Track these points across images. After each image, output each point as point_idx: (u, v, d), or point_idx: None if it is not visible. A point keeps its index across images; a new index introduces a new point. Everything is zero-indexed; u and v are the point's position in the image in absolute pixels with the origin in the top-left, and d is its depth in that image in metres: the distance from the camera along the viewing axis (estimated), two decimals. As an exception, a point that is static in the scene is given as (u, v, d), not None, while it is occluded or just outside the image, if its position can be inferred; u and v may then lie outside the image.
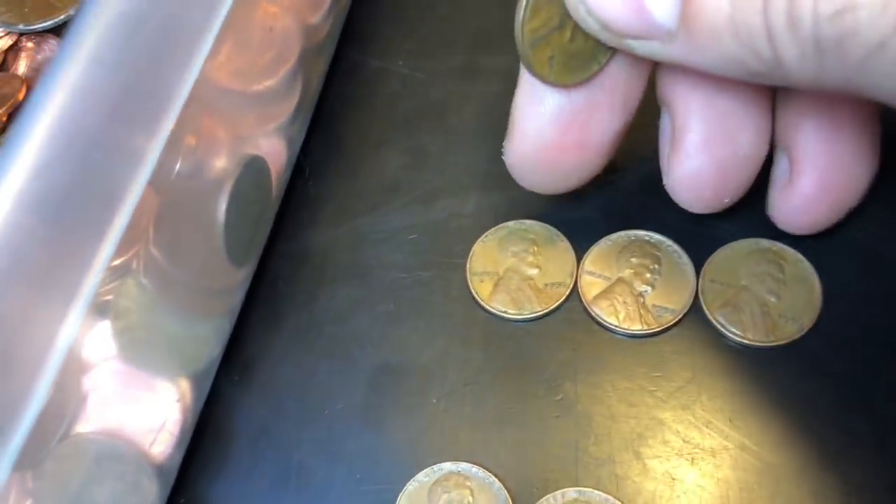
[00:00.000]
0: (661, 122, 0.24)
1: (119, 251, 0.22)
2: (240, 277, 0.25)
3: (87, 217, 0.19)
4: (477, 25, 0.30)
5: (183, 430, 0.23)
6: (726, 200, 0.23)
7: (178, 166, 0.24)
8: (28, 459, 0.21)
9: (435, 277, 0.26)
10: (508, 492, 0.22)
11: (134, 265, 0.23)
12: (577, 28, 0.21)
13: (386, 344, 0.25)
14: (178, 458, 0.23)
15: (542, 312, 0.25)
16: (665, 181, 0.23)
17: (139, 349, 0.23)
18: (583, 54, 0.21)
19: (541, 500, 0.22)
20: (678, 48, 0.18)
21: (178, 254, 0.23)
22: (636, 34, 0.19)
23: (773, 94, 0.23)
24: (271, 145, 0.27)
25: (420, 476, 0.23)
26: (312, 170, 0.28)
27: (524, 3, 0.20)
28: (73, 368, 0.22)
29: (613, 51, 0.21)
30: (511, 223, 0.26)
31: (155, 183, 0.22)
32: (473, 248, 0.26)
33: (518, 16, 0.20)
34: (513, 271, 0.26)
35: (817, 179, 0.22)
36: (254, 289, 0.26)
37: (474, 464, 0.23)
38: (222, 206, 0.24)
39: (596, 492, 0.22)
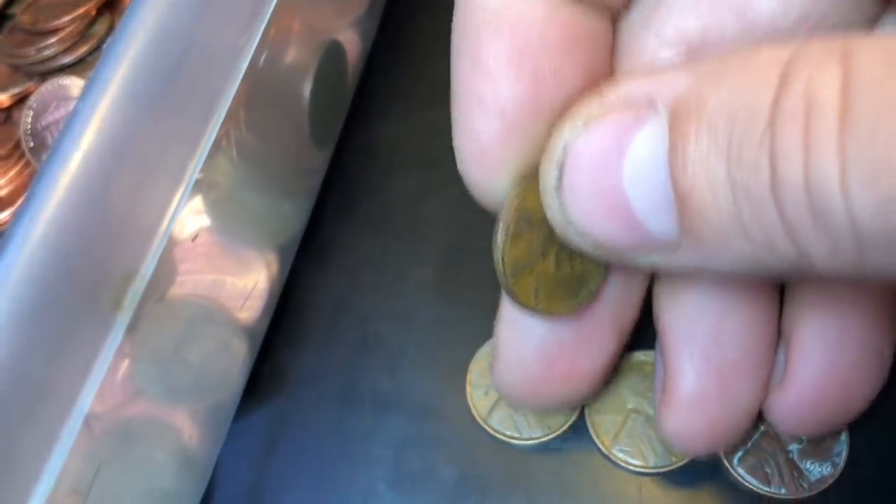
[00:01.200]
0: (656, 354, 0.21)
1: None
2: (320, 159, 0.26)
3: (190, 106, 0.20)
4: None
5: (269, 299, 0.24)
6: (724, 444, 0.21)
7: (264, 55, 0.25)
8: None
9: (502, 165, 0.27)
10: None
11: (224, 143, 0.24)
12: (563, 254, 0.18)
13: (456, 225, 0.26)
14: (264, 326, 0.25)
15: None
16: (655, 427, 0.21)
17: (231, 221, 0.24)
18: (571, 281, 0.19)
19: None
20: (684, 255, 0.15)
21: (266, 134, 0.24)
22: (634, 248, 0.16)
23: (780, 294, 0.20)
24: (347, 37, 0.27)
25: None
26: (384, 66, 0.29)
27: (502, 231, 0.18)
28: (164, 240, 0.24)
29: (605, 275, 0.19)
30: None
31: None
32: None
33: (496, 244, 0.18)
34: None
35: (817, 381, 0.19)
36: (329, 177, 0.27)
37: None
38: (307, 89, 0.25)
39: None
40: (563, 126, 0.16)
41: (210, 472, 0.23)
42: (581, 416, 0.22)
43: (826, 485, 0.21)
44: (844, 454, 0.21)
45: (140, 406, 0.23)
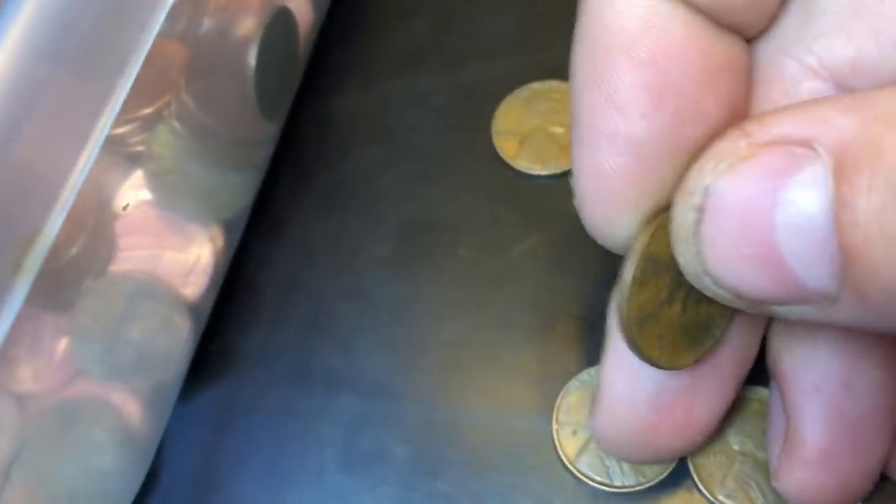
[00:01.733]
0: (769, 395, 0.19)
1: (150, 100, 0.23)
2: (269, 131, 0.25)
3: (97, 63, 0.19)
4: None
5: (214, 274, 0.23)
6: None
7: (205, 21, 0.24)
8: (59, 295, 0.21)
9: (461, 138, 0.26)
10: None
11: (165, 114, 0.23)
12: (689, 300, 0.17)
13: (414, 201, 0.25)
14: (210, 302, 0.24)
15: (567, 168, 0.25)
16: (773, 480, 0.18)
17: (173, 194, 0.23)
18: (696, 327, 0.17)
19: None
20: (842, 310, 0.13)
21: (210, 104, 0.23)
22: (782, 301, 0.14)
23: None
24: (297, 4, 0.26)
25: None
26: (339, 36, 0.28)
27: (629, 277, 0.16)
28: (106, 213, 0.23)
29: (730, 319, 0.18)
30: (536, 84, 0.26)
31: (182, 36, 0.22)
32: (499, 109, 0.26)
33: (622, 292, 0.16)
34: (538, 130, 0.26)
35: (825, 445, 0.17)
36: (282, 151, 0.26)
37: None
38: (252, 55, 0.24)
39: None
40: (703, 166, 0.14)
41: (152, 454, 0.22)
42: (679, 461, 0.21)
43: None
44: None
45: (79, 386, 0.22)
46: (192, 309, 0.23)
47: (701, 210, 0.14)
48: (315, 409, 0.23)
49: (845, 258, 0.13)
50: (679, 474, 0.20)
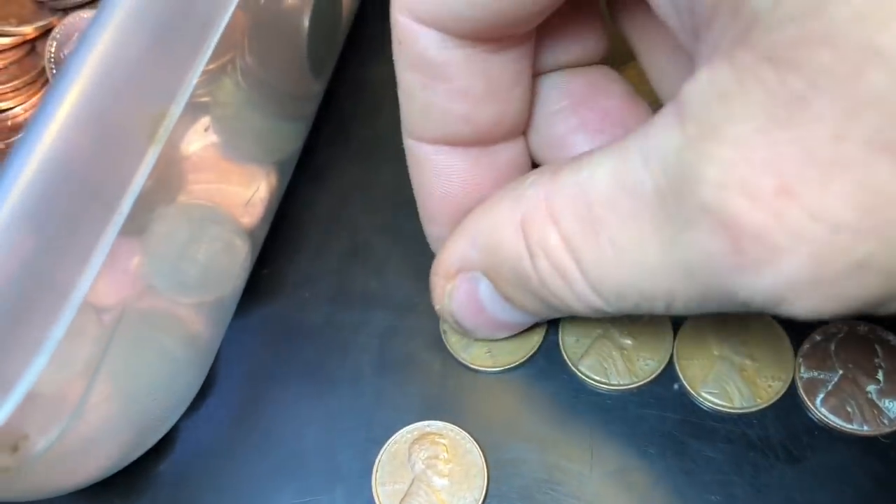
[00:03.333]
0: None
1: (216, 56, 0.26)
2: (316, 88, 0.28)
3: (186, 30, 0.22)
4: None
5: (268, 208, 0.26)
6: None
7: (265, -8, 0.27)
8: (135, 222, 0.24)
9: (481, 99, 0.29)
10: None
11: (229, 69, 0.26)
12: None
13: (438, 151, 0.28)
14: (264, 232, 0.26)
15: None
16: None
17: (234, 138, 0.26)
18: None
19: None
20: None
21: (267, 61, 0.26)
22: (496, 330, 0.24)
23: None
24: (342, -18, 0.30)
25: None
26: (376, 11, 0.31)
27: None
28: (176, 151, 0.26)
29: None
30: (548, 54, 0.29)
31: (243, 5, 0.25)
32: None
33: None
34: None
35: None
36: (325, 107, 0.29)
37: None
38: (305, 21, 0.27)
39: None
40: (444, 282, 0.23)
41: (212, 358, 0.25)
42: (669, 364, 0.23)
43: None
44: None
45: (152, 300, 0.25)
46: (249, 235, 0.26)
47: (451, 299, 0.23)
48: (353, 323, 0.25)
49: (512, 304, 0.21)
50: (667, 375, 0.23)
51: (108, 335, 0.22)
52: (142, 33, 0.20)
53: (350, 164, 0.28)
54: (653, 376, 0.23)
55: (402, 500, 0.22)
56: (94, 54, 0.18)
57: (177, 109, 0.21)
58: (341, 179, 0.28)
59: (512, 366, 0.24)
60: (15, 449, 0.17)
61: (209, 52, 0.22)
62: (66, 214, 0.17)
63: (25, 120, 0.30)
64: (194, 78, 0.21)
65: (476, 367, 0.24)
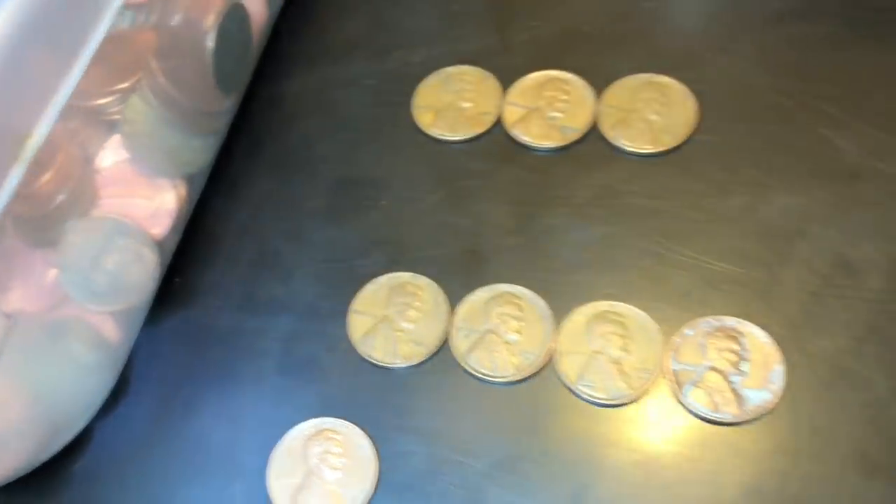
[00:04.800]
0: None
1: (125, 77, 0.27)
2: (226, 104, 0.29)
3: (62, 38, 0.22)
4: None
5: (177, 218, 0.27)
6: None
7: (174, 14, 0.27)
8: (48, 234, 0.25)
9: (386, 112, 0.30)
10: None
11: (138, 87, 0.27)
12: None
13: (345, 163, 0.29)
14: (173, 242, 0.27)
15: (472, 136, 0.29)
16: None
17: (145, 153, 0.27)
18: None
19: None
20: None
21: (176, 79, 0.27)
22: None
23: None
24: (254, 4, 0.30)
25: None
26: (288, 31, 0.32)
27: None
28: (88, 168, 0.26)
29: None
30: (450, 68, 0.30)
31: (154, 26, 0.26)
32: (418, 88, 0.30)
33: None
34: (450, 105, 0.29)
35: None
36: (239, 123, 0.30)
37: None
38: (211, 40, 0.27)
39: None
40: None
41: (123, 363, 0.26)
42: (549, 358, 0.24)
43: (765, 408, 0.23)
44: (781, 382, 0.23)
45: (65, 308, 0.26)
46: (158, 245, 0.26)
47: None
48: (259, 328, 0.26)
49: None
50: (548, 369, 0.24)
51: (5, 334, 0.23)
52: (10, 53, 0.21)
53: (262, 177, 0.29)
54: (535, 370, 0.24)
55: (296, 492, 0.23)
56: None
57: (46, 125, 0.21)
58: (253, 191, 0.29)
59: (410, 363, 0.25)
60: None
61: (77, 75, 0.23)
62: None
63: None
64: (62, 98, 0.22)
65: (377, 363, 0.25)
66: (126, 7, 0.25)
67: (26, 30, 0.20)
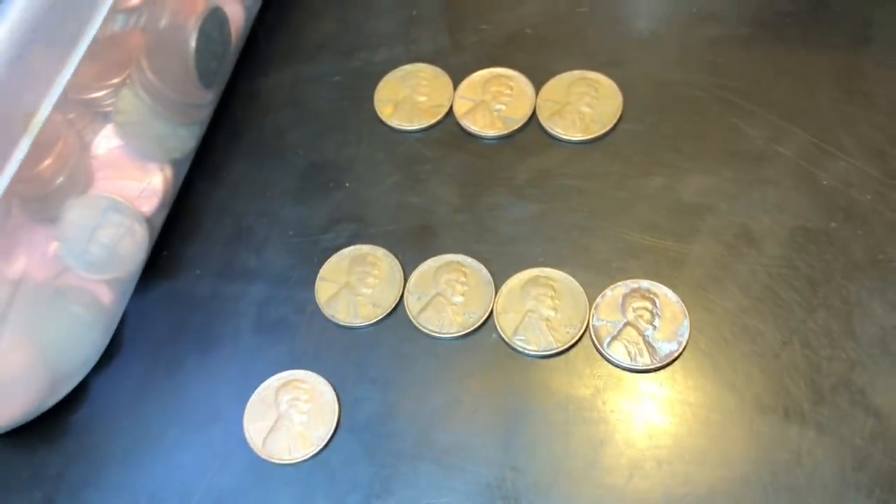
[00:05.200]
0: None
1: (117, 73, 0.30)
2: (207, 97, 0.32)
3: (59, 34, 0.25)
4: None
5: (164, 198, 0.30)
6: None
7: (160, 16, 0.31)
8: (49, 211, 0.28)
9: (351, 105, 0.33)
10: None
11: (129, 81, 0.30)
12: None
13: (314, 150, 0.32)
14: (161, 219, 0.30)
15: (426, 126, 0.32)
16: None
17: (135, 140, 0.30)
18: None
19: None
20: None
21: (163, 74, 0.30)
22: None
23: None
24: (233, 8, 0.33)
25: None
26: (265, 32, 0.35)
27: None
28: (85, 154, 0.29)
29: None
30: (408, 66, 0.33)
31: (143, 28, 0.29)
32: (380, 83, 0.33)
33: None
34: (408, 98, 0.33)
35: None
36: (220, 114, 0.33)
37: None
38: (193, 39, 0.30)
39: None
40: None
41: (116, 324, 0.29)
42: (489, 316, 0.27)
43: (673, 357, 0.26)
44: (686, 335, 0.26)
45: (66, 276, 0.29)
46: (147, 221, 0.29)
47: None
48: (235, 294, 0.29)
49: None
50: (489, 325, 0.27)
51: (10, 296, 0.26)
52: (17, 49, 0.24)
53: (239, 161, 0.32)
54: (476, 326, 0.27)
55: (268, 434, 0.26)
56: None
57: (46, 109, 0.24)
58: (231, 174, 0.32)
59: (369, 322, 0.28)
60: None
61: (73, 68, 0.26)
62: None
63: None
64: (60, 86, 0.25)
65: (341, 323, 0.28)
66: (117, 11, 0.28)
67: (31, 28, 0.23)
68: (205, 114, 0.32)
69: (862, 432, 0.24)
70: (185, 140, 0.31)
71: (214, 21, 0.31)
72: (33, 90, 0.23)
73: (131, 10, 0.29)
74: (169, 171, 0.30)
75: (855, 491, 0.23)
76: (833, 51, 0.30)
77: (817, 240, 0.27)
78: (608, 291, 0.27)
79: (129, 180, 0.30)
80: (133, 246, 0.29)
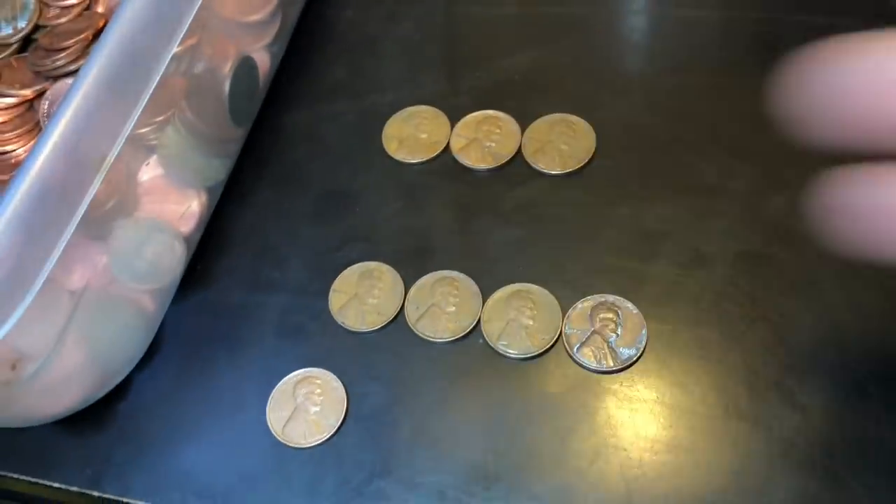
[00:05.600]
0: None
1: (161, 112, 0.34)
2: (238, 134, 0.36)
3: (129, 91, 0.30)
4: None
5: (200, 220, 0.34)
6: None
7: (198, 64, 0.35)
8: (102, 230, 0.32)
9: (362, 140, 0.37)
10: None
11: (171, 120, 0.34)
12: None
13: (329, 179, 0.36)
14: (197, 237, 0.35)
15: (427, 159, 0.36)
16: None
17: (175, 170, 0.35)
18: None
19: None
20: None
21: (201, 114, 0.34)
22: None
23: None
24: (261, 56, 0.38)
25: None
26: (288, 76, 0.40)
27: None
28: (132, 181, 0.34)
29: None
30: (412, 108, 0.38)
31: (183, 74, 0.34)
32: (387, 122, 0.37)
33: None
34: (411, 135, 0.37)
35: None
36: (249, 147, 0.38)
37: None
38: (227, 85, 0.35)
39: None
40: None
41: (155, 330, 0.33)
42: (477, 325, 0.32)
43: (632, 361, 0.30)
44: (644, 341, 0.31)
45: (114, 286, 0.33)
46: (186, 240, 0.34)
47: None
48: (260, 303, 0.34)
49: None
50: (476, 332, 0.31)
51: (74, 304, 0.30)
52: (95, 101, 0.28)
53: (265, 188, 0.37)
54: (466, 333, 0.31)
55: (286, 422, 0.30)
56: (69, 114, 0.27)
57: (116, 150, 0.28)
58: (258, 199, 0.36)
59: (374, 328, 0.32)
60: (13, 367, 0.24)
61: (138, 114, 0.30)
62: (43, 218, 0.26)
63: (24, 158, 0.38)
64: (128, 131, 0.29)
65: (350, 329, 0.32)
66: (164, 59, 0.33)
67: (107, 81, 0.27)
68: (235, 147, 0.37)
69: (789, 426, 0.28)
70: (218, 170, 0.35)
71: (245, 67, 0.35)
72: (107, 135, 0.27)
73: (174, 58, 0.34)
74: (204, 197, 0.35)
75: (780, 475, 0.27)
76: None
77: (758, 262, 0.31)
78: (579, 304, 0.31)
79: (171, 204, 0.34)
80: (173, 261, 0.33)
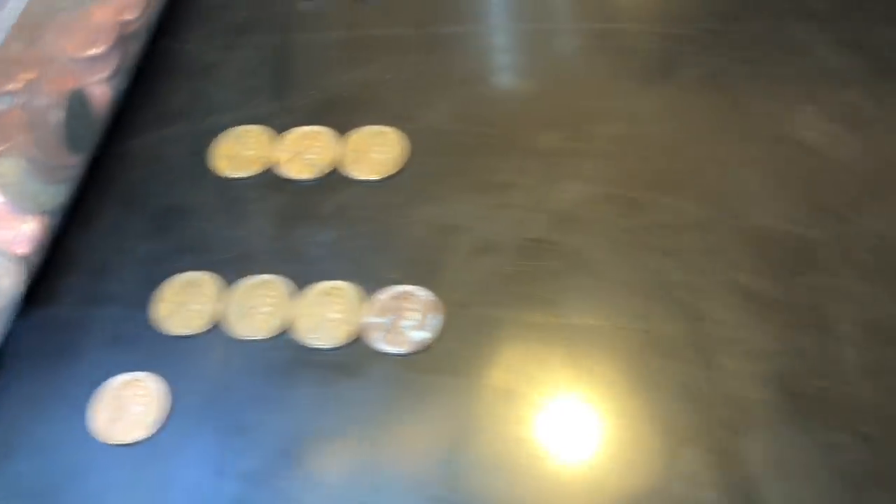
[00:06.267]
0: None
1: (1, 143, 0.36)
2: (77, 160, 0.38)
3: None
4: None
5: (40, 241, 0.36)
6: None
7: (36, 98, 0.37)
8: None
9: (198, 160, 0.39)
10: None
11: (9, 151, 0.36)
12: None
13: (168, 196, 0.38)
14: (39, 258, 0.36)
15: (253, 173, 0.38)
16: None
17: (13, 196, 0.36)
18: None
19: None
20: None
21: (38, 143, 0.36)
22: None
23: None
24: (101, 88, 0.40)
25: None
26: (132, 104, 0.42)
27: None
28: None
29: None
30: (240, 128, 0.40)
31: (22, 106, 0.36)
32: (219, 141, 0.40)
33: None
34: (239, 153, 0.39)
35: None
36: (93, 173, 0.40)
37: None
38: (60, 115, 0.37)
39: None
40: None
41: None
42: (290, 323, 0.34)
43: (425, 344, 0.33)
44: (438, 326, 0.33)
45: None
46: (24, 262, 0.35)
47: None
48: (96, 316, 0.35)
49: None
50: (289, 330, 0.33)
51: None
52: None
53: (109, 209, 0.39)
54: (281, 330, 0.34)
55: (111, 422, 0.32)
56: None
57: None
58: (101, 220, 0.38)
59: (199, 332, 0.34)
60: None
61: None
62: None
63: None
64: None
65: (177, 334, 0.34)
66: (2, 94, 0.35)
67: None
68: (74, 173, 0.38)
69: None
70: (57, 195, 0.37)
71: (77, 101, 0.38)
72: None
73: (13, 93, 0.36)
74: (43, 221, 0.36)
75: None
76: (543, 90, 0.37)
77: (539, 247, 0.33)
78: (380, 295, 0.33)
79: (8, 229, 0.36)
80: (10, 282, 0.35)
